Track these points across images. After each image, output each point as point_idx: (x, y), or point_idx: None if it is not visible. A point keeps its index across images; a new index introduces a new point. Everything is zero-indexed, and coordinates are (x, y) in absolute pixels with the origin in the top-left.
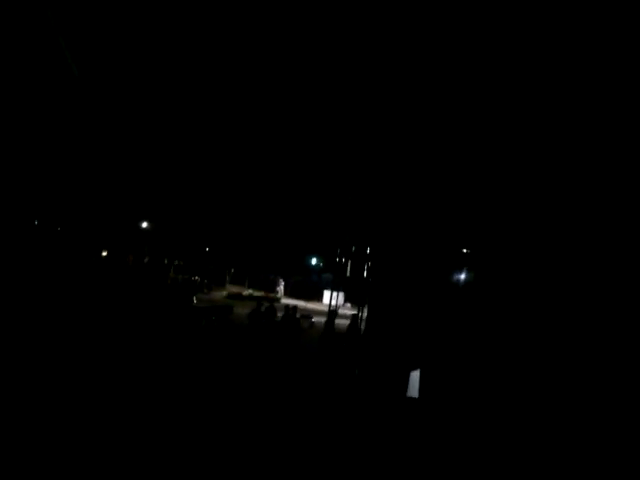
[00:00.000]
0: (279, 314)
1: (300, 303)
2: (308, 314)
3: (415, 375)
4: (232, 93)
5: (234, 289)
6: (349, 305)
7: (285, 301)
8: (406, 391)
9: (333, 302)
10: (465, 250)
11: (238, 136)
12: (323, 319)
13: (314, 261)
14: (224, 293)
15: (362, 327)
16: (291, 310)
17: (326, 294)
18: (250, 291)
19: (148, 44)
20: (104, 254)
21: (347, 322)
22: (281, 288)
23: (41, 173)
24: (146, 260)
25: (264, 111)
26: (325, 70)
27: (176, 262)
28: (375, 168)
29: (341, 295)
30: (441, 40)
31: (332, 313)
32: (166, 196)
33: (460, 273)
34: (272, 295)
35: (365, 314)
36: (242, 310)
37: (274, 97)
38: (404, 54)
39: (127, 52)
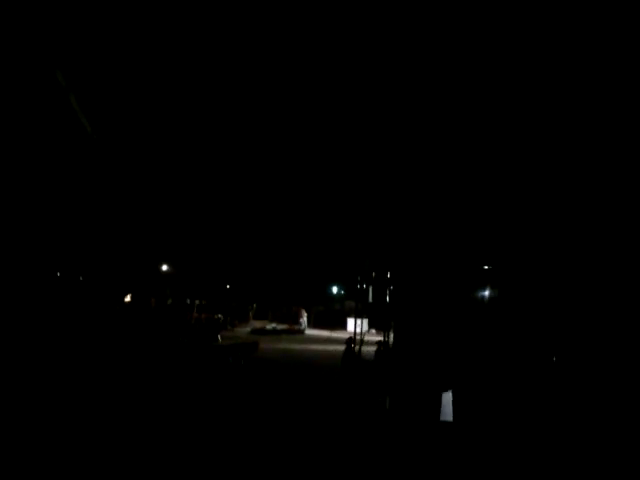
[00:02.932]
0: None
1: (324, 333)
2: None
3: (448, 397)
4: (246, 133)
5: (258, 324)
6: (374, 331)
7: (309, 332)
8: (439, 415)
9: (357, 329)
10: (486, 267)
11: (253, 171)
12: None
13: (335, 289)
14: (248, 329)
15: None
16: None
17: (349, 322)
18: (274, 325)
19: (157, 95)
20: (127, 299)
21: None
22: (304, 319)
23: (61, 226)
24: (169, 302)
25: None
26: (345, 86)
27: (198, 302)
28: (392, 189)
29: (365, 322)
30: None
31: (351, 340)
32: (184, 238)
33: (483, 290)
34: (296, 327)
35: (391, 339)
36: (268, 345)
37: (292, 127)
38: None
39: (139, 104)
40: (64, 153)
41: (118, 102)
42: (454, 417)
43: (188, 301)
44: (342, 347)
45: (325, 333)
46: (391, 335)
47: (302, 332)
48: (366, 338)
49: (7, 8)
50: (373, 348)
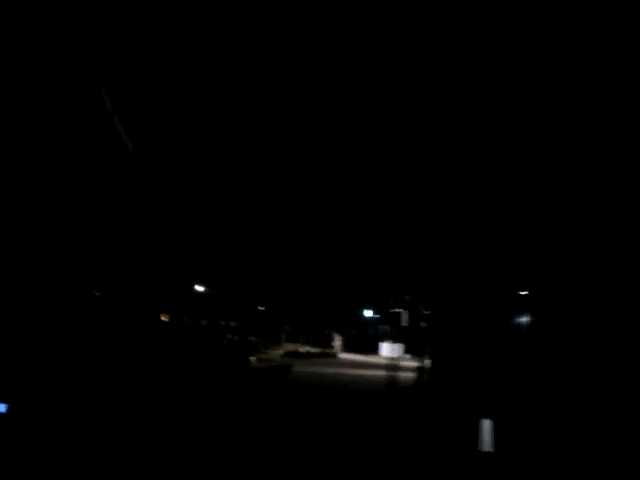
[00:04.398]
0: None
1: (358, 357)
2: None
3: (487, 426)
4: (289, 153)
5: (290, 347)
6: (408, 356)
7: (342, 356)
8: (477, 444)
9: (392, 354)
10: (523, 292)
11: (290, 194)
12: (382, 372)
13: (368, 313)
14: (281, 351)
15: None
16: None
17: (383, 346)
18: (307, 348)
19: (200, 112)
20: (164, 319)
21: (409, 374)
22: (337, 343)
23: (100, 245)
24: (203, 323)
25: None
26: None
27: (232, 323)
28: (427, 214)
29: (400, 347)
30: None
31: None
32: (219, 259)
33: (521, 316)
34: (329, 351)
35: (427, 364)
36: (301, 368)
37: (332, 149)
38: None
39: (179, 122)
40: (106, 171)
41: (157, 121)
42: (494, 447)
43: (222, 322)
44: (376, 372)
45: (358, 357)
46: (426, 361)
47: (335, 356)
48: (402, 363)
49: (55, 31)
50: (409, 374)
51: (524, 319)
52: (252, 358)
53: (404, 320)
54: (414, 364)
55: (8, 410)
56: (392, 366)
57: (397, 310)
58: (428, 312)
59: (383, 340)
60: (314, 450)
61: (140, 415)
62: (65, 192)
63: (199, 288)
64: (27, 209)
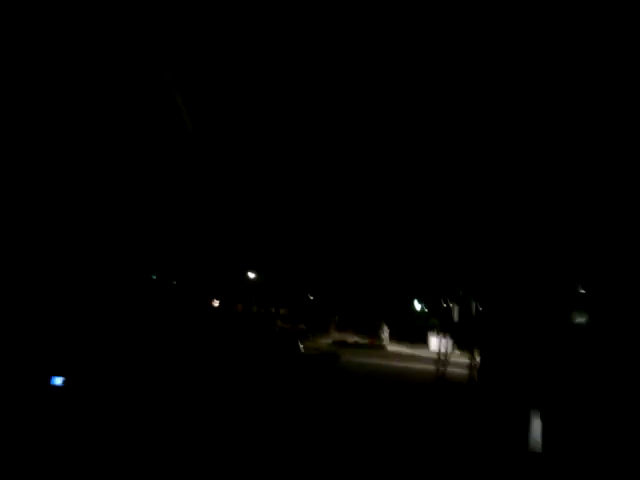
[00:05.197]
0: None
1: (406, 350)
2: None
3: (537, 426)
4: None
5: (338, 336)
6: (457, 352)
7: (390, 348)
8: (527, 444)
9: (442, 348)
10: (582, 290)
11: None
12: (431, 366)
13: (418, 306)
14: (329, 340)
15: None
16: None
17: (432, 340)
18: (355, 338)
19: (259, 94)
20: (215, 304)
21: (459, 370)
22: (386, 334)
23: (157, 228)
24: (254, 309)
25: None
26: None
27: (282, 311)
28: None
29: (449, 341)
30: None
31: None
32: (272, 246)
33: (578, 315)
34: (377, 342)
35: (478, 361)
36: (349, 358)
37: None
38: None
39: (239, 102)
40: (166, 150)
41: (216, 100)
42: (544, 448)
43: (273, 309)
44: (425, 366)
45: (407, 350)
46: (477, 358)
47: (383, 347)
48: (452, 359)
49: (118, 11)
50: (458, 370)
51: (582, 318)
52: (301, 345)
53: (455, 315)
54: (464, 360)
55: (64, 383)
56: (442, 361)
57: (449, 304)
58: (481, 309)
59: (432, 333)
60: (360, 439)
61: (190, 395)
62: (122, 178)
63: (251, 275)
64: (86, 190)
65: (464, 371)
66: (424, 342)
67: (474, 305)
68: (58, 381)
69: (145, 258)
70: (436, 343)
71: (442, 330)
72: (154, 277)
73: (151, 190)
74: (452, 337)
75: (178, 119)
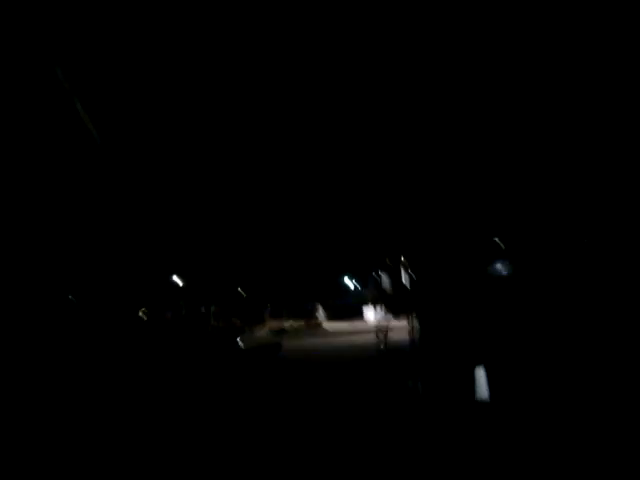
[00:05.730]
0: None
1: (343, 325)
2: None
3: (481, 374)
4: (251, 135)
5: (274, 324)
6: (391, 317)
7: (327, 325)
8: (474, 394)
9: (377, 317)
10: (497, 239)
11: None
12: (371, 336)
13: (348, 280)
14: (266, 329)
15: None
16: None
17: (366, 311)
18: (291, 322)
19: (159, 96)
20: (141, 314)
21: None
22: (321, 314)
23: (68, 240)
24: (183, 313)
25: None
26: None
27: (213, 308)
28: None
29: (383, 309)
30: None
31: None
32: (189, 245)
33: (496, 263)
34: (314, 322)
35: (414, 323)
36: (289, 343)
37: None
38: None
39: (140, 107)
40: (70, 160)
41: (120, 105)
42: (490, 396)
43: (203, 309)
44: (365, 337)
45: (344, 325)
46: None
47: (320, 326)
48: (390, 324)
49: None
50: (397, 335)
51: (500, 266)
52: (239, 341)
53: (385, 283)
54: (400, 324)
55: None
56: (381, 327)
57: (378, 274)
58: (410, 273)
59: (365, 305)
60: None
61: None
62: (28, 190)
63: (176, 279)
64: None
65: (403, 336)
66: (359, 315)
67: (402, 271)
68: None
69: (59, 279)
70: (372, 314)
71: (375, 301)
72: (72, 298)
73: (62, 195)
74: (386, 306)
75: (80, 126)
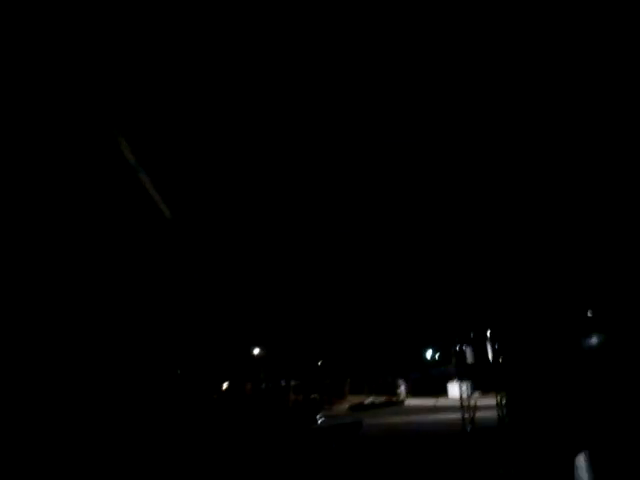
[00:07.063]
0: None
1: (426, 402)
2: None
3: (582, 461)
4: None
5: (355, 399)
6: (477, 394)
7: (409, 402)
8: None
9: (462, 394)
10: (590, 313)
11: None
12: (456, 415)
13: (430, 354)
14: (345, 405)
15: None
16: None
17: (451, 387)
18: (371, 399)
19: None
20: (224, 387)
21: (485, 414)
22: (402, 389)
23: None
24: (263, 386)
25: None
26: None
27: (293, 382)
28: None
29: (468, 385)
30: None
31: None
32: (271, 319)
33: (592, 337)
34: (395, 398)
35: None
36: (369, 420)
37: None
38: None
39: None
40: (146, 242)
41: (191, 183)
42: None
43: (283, 383)
44: (450, 415)
45: (426, 402)
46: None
47: (402, 403)
48: (476, 402)
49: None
50: (485, 414)
51: (596, 340)
52: (318, 417)
53: (469, 357)
54: (488, 401)
55: None
56: (466, 406)
57: (462, 348)
58: (495, 346)
59: (449, 380)
60: None
61: None
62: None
63: (256, 351)
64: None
65: (490, 414)
66: (443, 391)
67: (489, 346)
68: None
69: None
70: (456, 390)
71: (459, 375)
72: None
73: (141, 284)
74: (469, 380)
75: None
